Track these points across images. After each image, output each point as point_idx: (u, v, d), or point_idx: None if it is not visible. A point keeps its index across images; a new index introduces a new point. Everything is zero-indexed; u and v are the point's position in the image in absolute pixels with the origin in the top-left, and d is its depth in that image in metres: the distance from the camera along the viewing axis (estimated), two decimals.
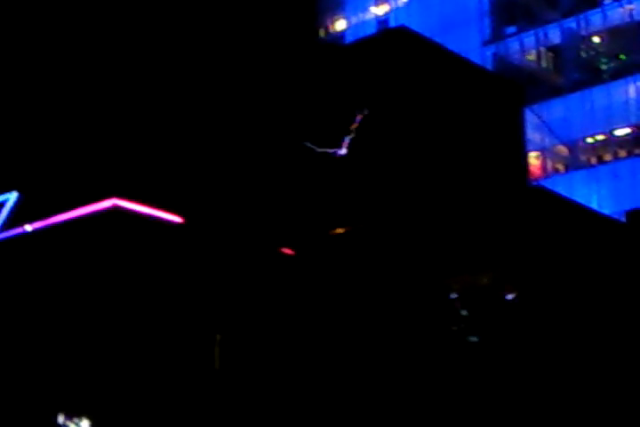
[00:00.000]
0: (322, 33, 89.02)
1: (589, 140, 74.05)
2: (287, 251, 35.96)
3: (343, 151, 37.37)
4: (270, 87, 40.97)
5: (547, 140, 74.40)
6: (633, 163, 70.60)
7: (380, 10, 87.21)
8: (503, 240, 33.25)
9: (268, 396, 33.33)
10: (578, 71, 76.01)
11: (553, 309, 32.60)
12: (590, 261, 34.18)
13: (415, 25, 56.94)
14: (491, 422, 31.37)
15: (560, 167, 75.87)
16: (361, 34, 72.90)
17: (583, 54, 77.08)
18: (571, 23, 76.21)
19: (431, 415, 32.20)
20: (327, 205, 37.46)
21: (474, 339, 33.13)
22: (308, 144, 37.57)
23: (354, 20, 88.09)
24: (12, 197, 36.66)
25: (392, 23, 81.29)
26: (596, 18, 75.46)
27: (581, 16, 75.77)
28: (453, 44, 53.56)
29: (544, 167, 75.32)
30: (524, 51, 78.27)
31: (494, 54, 77.97)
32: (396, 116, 38.73)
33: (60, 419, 31.69)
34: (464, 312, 33.60)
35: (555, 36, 76.98)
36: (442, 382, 32.59)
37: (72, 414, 31.45)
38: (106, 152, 37.30)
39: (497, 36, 78.80)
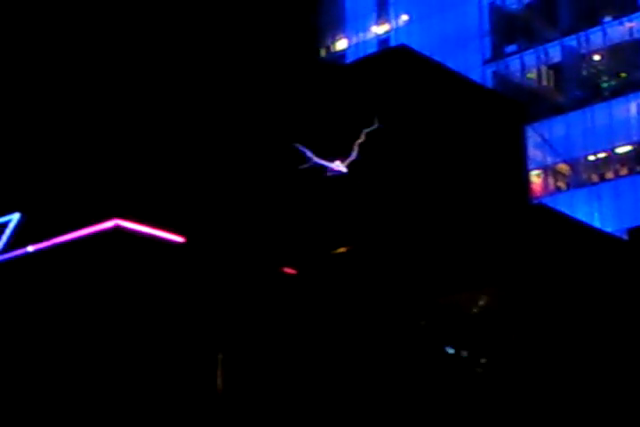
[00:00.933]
0: (323, 52, 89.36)
1: (591, 157, 74.18)
2: (289, 270, 35.94)
3: (344, 170, 37.41)
4: (272, 107, 41.05)
5: (548, 158, 74.54)
6: (634, 180, 70.71)
7: (380, 29, 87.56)
8: (505, 258, 33.24)
9: (271, 413, 33.27)
10: (579, 89, 76.23)
11: (556, 326, 32.57)
12: (592, 279, 34.16)
13: (416, 44, 57.09)
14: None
15: (562, 185, 75.96)
16: (362, 53, 73.23)
17: (584, 72, 77.34)
18: (571, 41, 76.52)
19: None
20: (329, 224, 37.47)
21: (458, 352, 33.14)
22: (309, 163, 37.60)
23: (355, 39, 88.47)
24: (15, 218, 36.69)
25: (393, 42, 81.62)
26: (596, 36, 75.75)
27: (582, 34, 76.07)
28: (454, 62, 53.75)
29: (546, 185, 75.40)
30: (524, 69, 78.52)
31: (495, 73, 78.23)
32: (397, 135, 38.78)
33: None
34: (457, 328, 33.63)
35: (555, 54, 77.26)
36: (441, 398, 32.57)
37: None
38: (107, 173, 37.35)
39: (497, 54, 79.08)
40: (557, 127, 74.02)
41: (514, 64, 78.51)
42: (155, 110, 40.25)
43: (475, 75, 66.20)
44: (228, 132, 40.44)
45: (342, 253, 36.12)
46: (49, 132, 40.76)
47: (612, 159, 73.26)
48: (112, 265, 32.30)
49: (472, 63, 75.83)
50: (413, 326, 34.11)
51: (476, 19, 79.66)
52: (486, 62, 78.60)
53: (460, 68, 48.92)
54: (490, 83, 75.56)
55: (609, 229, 55.14)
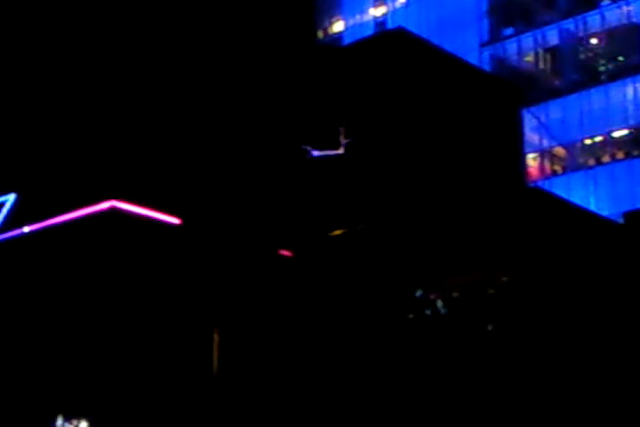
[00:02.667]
0: (320, 34, 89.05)
1: (587, 141, 74.08)
2: (285, 253, 35.95)
3: (341, 153, 37.37)
4: (268, 89, 40.97)
5: (545, 141, 74.43)
6: (630, 164, 70.66)
7: (377, 11, 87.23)
8: (501, 242, 33.26)
9: (267, 397, 33.34)
10: (576, 73, 76.05)
11: (551, 310, 32.61)
12: (588, 263, 34.19)
13: (413, 26, 56.99)
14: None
15: (558, 169, 75.89)
16: (359, 35, 72.87)
17: (581, 56, 77.12)
18: (569, 25, 76.28)
19: (428, 415, 32.27)
20: (325, 206, 37.46)
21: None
22: (306, 146, 37.55)
23: (352, 21, 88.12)
24: (11, 198, 36.67)
25: (390, 25, 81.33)
26: (594, 19, 75.52)
27: (579, 17, 75.83)
28: (451, 45, 53.61)
29: (542, 169, 75.32)
30: (521, 52, 78.30)
31: (492, 56, 78.00)
32: (394, 117, 38.73)
33: (59, 421, 31.71)
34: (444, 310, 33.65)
35: (553, 37, 77.03)
36: (441, 383, 32.63)
37: (71, 415, 31.45)
38: (104, 154, 37.29)
39: (495, 37, 78.83)
40: (554, 111, 73.85)
41: (511, 47, 78.27)
42: (150, 94, 40.17)
43: (472, 57, 66.04)
44: (224, 115, 40.36)
45: (339, 235, 36.13)
46: (46, 114, 40.69)
47: (609, 143, 73.16)
48: (108, 246, 32.31)
49: (469, 46, 75.61)
50: (408, 309, 34.14)
51: (474, 1, 79.39)
52: (483, 45, 78.36)
53: (458, 51, 48.80)
54: (487, 66, 75.34)
55: (605, 213, 55.11)
